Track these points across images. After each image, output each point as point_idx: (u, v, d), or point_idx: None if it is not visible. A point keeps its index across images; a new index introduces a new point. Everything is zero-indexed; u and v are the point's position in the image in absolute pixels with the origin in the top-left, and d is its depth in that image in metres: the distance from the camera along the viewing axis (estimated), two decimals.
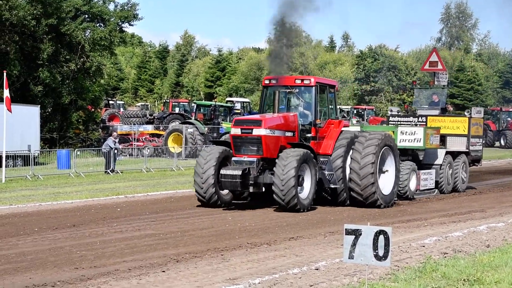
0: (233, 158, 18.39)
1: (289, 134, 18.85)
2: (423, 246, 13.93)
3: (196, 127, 46.79)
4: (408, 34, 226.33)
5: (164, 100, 79.08)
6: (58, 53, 45.16)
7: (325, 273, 11.99)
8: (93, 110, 51.71)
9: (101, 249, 14.04)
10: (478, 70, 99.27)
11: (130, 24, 52.14)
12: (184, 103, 67.48)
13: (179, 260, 13.13)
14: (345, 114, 58.29)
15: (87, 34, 46.11)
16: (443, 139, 25.57)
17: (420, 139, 22.45)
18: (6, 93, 30.23)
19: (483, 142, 29.78)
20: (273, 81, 19.89)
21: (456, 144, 25.61)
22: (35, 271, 11.72)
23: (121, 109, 68.60)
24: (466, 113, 26.64)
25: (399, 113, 28.75)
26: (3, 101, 30.32)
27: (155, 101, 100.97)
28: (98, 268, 12.02)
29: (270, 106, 20.38)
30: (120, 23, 50.28)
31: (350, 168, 18.67)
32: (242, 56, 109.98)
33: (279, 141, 18.36)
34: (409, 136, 22.64)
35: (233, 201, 20.09)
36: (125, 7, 49.99)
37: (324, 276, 11.72)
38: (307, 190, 17.87)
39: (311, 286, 11.13)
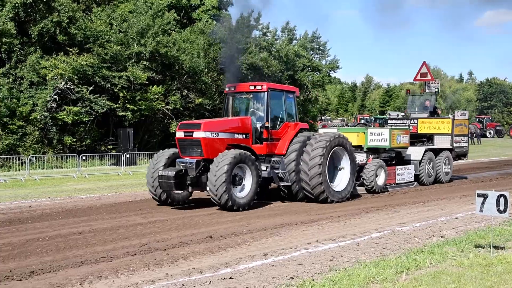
0: (177, 160, 17.82)
1: (240, 136, 18.18)
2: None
3: None
4: None
5: (354, 115, 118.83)
6: None
7: (462, 220, 15.29)
8: (312, 123, 61.96)
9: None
10: None
11: (334, 71, 69.84)
12: (366, 117, 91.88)
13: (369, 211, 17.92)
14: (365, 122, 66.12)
15: (309, 78, 61.62)
16: (431, 137, 26.58)
17: (387, 139, 22.65)
18: None
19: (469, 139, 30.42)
20: (232, 88, 19.61)
21: (442, 142, 26.09)
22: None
23: (329, 122, 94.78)
24: (450, 116, 27.43)
25: (398, 116, 28.83)
26: None
27: (349, 116, 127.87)
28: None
29: (235, 112, 20.16)
30: (328, 71, 67.40)
31: (300, 169, 18.23)
32: (402, 87, 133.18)
33: (224, 143, 17.70)
34: (377, 136, 22.84)
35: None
36: (332, 61, 66.65)
37: (462, 222, 14.97)
38: (247, 189, 17.22)
39: (453, 228, 14.03)
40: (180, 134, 17.85)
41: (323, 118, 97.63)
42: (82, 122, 38.40)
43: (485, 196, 11.24)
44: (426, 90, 29.33)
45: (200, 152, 17.26)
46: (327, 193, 18.29)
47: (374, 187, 21.42)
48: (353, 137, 22.33)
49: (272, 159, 18.62)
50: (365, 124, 60.74)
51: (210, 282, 9.51)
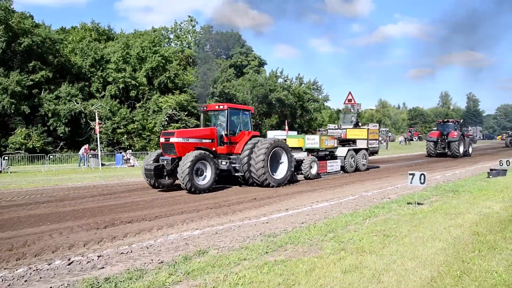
0: (160, 157, 16.13)
1: (207, 141, 16.51)
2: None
3: None
4: None
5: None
6: None
7: (400, 189, 15.35)
8: (314, 132, 58.66)
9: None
10: None
11: (326, 102, 66.81)
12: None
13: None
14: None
15: (312, 106, 59.58)
16: (354, 141, 24.94)
17: (317, 142, 21.16)
18: None
19: (381, 142, 29.18)
20: (204, 108, 17.93)
21: (361, 144, 24.65)
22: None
23: (323, 131, 76.28)
24: (365, 127, 25.98)
25: (335, 128, 26.98)
26: None
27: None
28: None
29: (206, 124, 18.53)
30: (323, 102, 64.67)
31: (250, 164, 16.45)
32: (366, 111, 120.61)
33: (193, 146, 15.92)
34: (311, 140, 21.29)
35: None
36: (325, 96, 64.56)
37: (400, 190, 15.35)
38: (207, 178, 15.36)
39: (395, 193, 14.34)
40: (162, 139, 16.23)
41: (320, 129, 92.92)
42: None
43: (413, 174, 11.55)
44: (352, 110, 28.39)
45: (175, 152, 15.67)
46: (269, 180, 16.54)
47: (309, 175, 19.65)
48: (295, 141, 21.17)
49: (231, 156, 16.83)
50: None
51: (255, 224, 9.62)
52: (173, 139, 15.72)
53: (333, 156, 22.68)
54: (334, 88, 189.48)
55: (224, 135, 16.82)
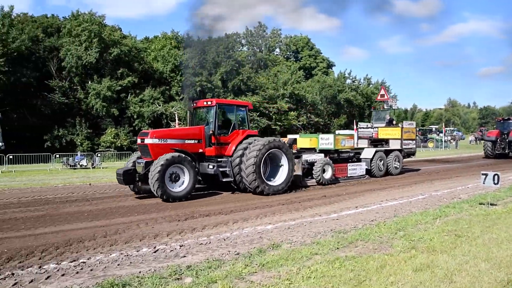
0: (137, 160, 13.66)
1: (191, 141, 13.81)
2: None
3: None
4: None
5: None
6: None
7: (472, 189, 14.86)
8: None
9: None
10: None
11: None
12: None
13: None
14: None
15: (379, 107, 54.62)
16: (387, 141, 21.60)
17: (331, 142, 18.03)
18: None
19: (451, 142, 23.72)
20: (193, 104, 15.34)
21: (394, 145, 21.06)
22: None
23: None
24: (399, 125, 21.87)
25: (366, 126, 23.11)
26: None
27: None
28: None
29: (197, 122, 15.28)
30: None
31: (241, 168, 13.67)
32: (434, 111, 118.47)
33: (172, 147, 13.29)
34: (325, 140, 18.20)
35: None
36: (392, 96, 58.75)
37: (471, 190, 14.57)
38: (185, 185, 12.72)
39: (466, 193, 13.52)
40: (138, 140, 13.71)
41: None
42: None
43: (486, 174, 11.02)
44: (385, 106, 24.15)
45: (150, 155, 13.18)
46: (261, 187, 13.67)
47: (321, 180, 16.55)
48: (307, 141, 18.42)
49: (220, 159, 14.02)
50: None
51: (325, 221, 9.55)
52: (147, 140, 13.24)
53: (358, 158, 19.57)
54: (402, 88, 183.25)
55: (211, 134, 14.08)
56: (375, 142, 21.99)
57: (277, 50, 62.49)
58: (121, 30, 40.62)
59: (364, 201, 12.54)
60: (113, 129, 34.35)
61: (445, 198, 12.58)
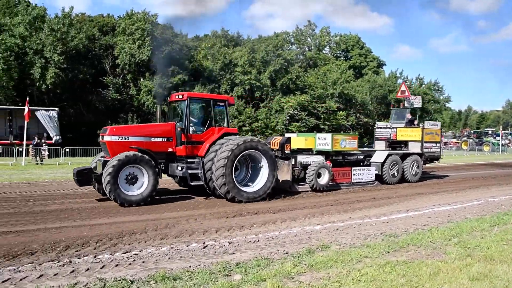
0: (98, 158, 12.45)
1: (159, 139, 12.29)
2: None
3: None
4: None
5: (460, 130, 80.00)
6: None
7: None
8: None
9: None
10: None
11: (447, 103, 63.62)
12: (468, 130, 61.49)
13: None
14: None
15: (432, 107, 54.72)
16: (405, 143, 19.29)
17: (329, 143, 15.75)
18: None
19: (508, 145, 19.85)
20: (168, 98, 14.08)
21: (414, 148, 18.71)
22: None
23: (444, 133, 68.37)
24: (420, 125, 19.42)
25: (386, 126, 20.46)
26: None
27: (456, 130, 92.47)
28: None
29: (171, 118, 13.60)
30: (444, 103, 61.08)
31: (212, 170, 11.95)
32: (491, 113, 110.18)
33: (131, 145, 11.81)
34: (323, 141, 16.04)
35: None
36: (446, 97, 61.02)
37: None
38: (143, 188, 11.28)
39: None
40: (100, 137, 12.20)
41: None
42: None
43: None
44: (406, 104, 21.53)
45: (108, 153, 11.82)
46: (232, 193, 11.87)
47: (315, 186, 14.51)
48: (302, 141, 16.48)
49: (190, 160, 12.35)
50: (467, 135, 56.25)
51: (375, 223, 9.36)
52: (105, 137, 11.86)
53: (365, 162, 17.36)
54: (457, 89, 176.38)
55: (180, 131, 12.46)
56: (393, 144, 19.88)
57: (327, 48, 61.91)
58: (172, 29, 41.55)
59: (415, 204, 12.18)
60: None
61: (504, 205, 12.00)
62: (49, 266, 6.05)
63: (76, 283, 5.34)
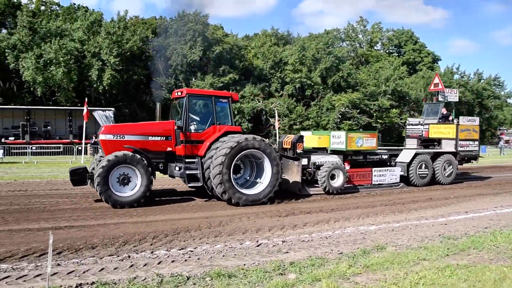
0: (96, 158, 12.38)
1: (156, 138, 11.70)
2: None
3: None
4: None
5: None
6: None
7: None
8: (494, 131, 56.37)
9: None
10: None
11: (509, 99, 59.46)
12: None
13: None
14: None
15: (492, 103, 53.39)
16: (439, 141, 17.58)
17: (343, 142, 14.36)
18: None
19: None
20: (170, 96, 13.32)
21: (448, 146, 16.97)
22: None
23: (505, 131, 68.25)
24: (454, 121, 17.59)
25: (418, 123, 18.61)
26: None
27: None
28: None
29: (174, 116, 12.91)
30: (505, 98, 59.28)
31: (210, 169, 11.30)
32: None
33: (128, 145, 11.37)
34: (337, 139, 14.65)
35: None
36: (508, 92, 58.30)
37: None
38: (136, 189, 10.82)
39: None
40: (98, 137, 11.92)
41: (500, 128, 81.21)
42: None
43: None
44: (440, 98, 18.94)
45: (104, 152, 11.45)
46: (229, 194, 11.11)
47: (328, 188, 13.24)
48: (315, 140, 15.29)
49: (189, 160, 11.70)
50: None
51: (432, 225, 9.05)
52: (101, 136, 11.53)
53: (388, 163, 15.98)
54: None
55: (178, 129, 11.86)
56: (425, 142, 18.20)
57: (379, 45, 60.50)
58: (223, 29, 42.20)
59: (475, 206, 11.66)
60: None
61: None
62: (109, 260, 6.29)
63: (135, 277, 5.52)
